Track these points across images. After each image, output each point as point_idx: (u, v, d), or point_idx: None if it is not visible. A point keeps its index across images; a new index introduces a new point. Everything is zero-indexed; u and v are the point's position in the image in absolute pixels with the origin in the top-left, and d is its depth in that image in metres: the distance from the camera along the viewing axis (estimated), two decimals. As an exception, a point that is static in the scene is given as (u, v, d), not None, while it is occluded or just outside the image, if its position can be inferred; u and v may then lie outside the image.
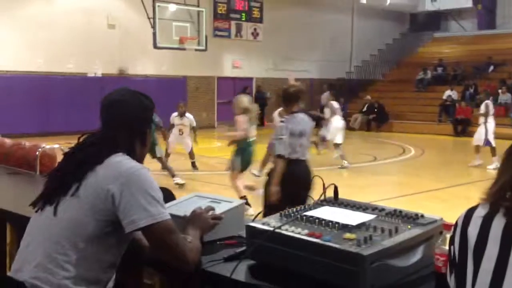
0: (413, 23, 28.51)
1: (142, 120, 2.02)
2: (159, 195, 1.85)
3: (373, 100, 21.79)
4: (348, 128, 21.31)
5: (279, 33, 22.92)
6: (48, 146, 3.84)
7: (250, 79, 22.82)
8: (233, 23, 21.82)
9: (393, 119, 21.31)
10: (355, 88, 25.07)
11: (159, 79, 19.16)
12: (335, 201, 2.18)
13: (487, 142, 11.86)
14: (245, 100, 8.00)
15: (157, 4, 15.01)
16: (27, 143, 4.04)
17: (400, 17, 28.15)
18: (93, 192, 1.81)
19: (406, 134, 19.34)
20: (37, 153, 3.72)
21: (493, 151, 11.71)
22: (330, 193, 2.22)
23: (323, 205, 2.12)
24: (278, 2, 22.41)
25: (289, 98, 5.04)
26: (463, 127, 19.22)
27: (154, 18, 14.97)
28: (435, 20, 27.53)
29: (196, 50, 16.34)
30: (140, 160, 2.00)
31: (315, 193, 2.20)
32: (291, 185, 4.88)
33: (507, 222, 1.35)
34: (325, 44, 24.87)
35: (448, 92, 20.71)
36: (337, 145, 12.24)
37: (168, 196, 2.59)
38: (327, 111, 12.50)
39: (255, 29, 22.57)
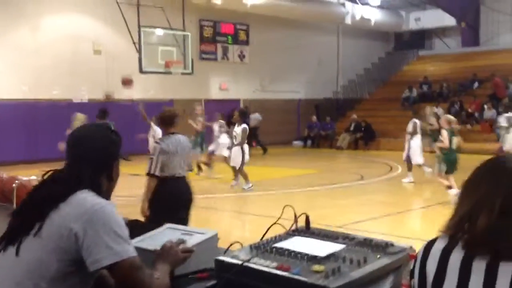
0: (398, 42, 28.86)
1: (108, 155, 2.01)
2: (125, 232, 1.83)
3: (360, 119, 21.91)
4: (336, 147, 21.57)
5: (265, 55, 23.09)
6: (25, 178, 3.81)
7: (237, 100, 22.89)
8: (219, 45, 21.96)
9: (381, 137, 21.42)
10: (343, 107, 25.24)
11: (146, 103, 19.11)
12: (307, 230, 2.17)
13: (407, 158, 12.58)
14: (80, 117, 9.45)
15: (142, 29, 15.09)
16: (4, 175, 4.00)
17: (385, 37, 28.49)
18: (56, 231, 1.79)
19: (394, 151, 19.37)
20: (14, 185, 3.68)
21: (409, 167, 12.54)
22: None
23: (294, 235, 2.12)
24: (264, 24, 22.61)
25: (165, 121, 5.67)
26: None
27: (139, 43, 15.04)
28: (420, 38, 27.88)
29: (182, 73, 16.40)
30: (107, 195, 1.99)
31: (287, 223, 2.18)
32: (168, 202, 5.26)
33: (466, 255, 1.34)
34: (311, 64, 25.07)
35: (433, 109, 20.84)
36: (225, 158, 12.96)
37: (141, 228, 2.57)
38: (216, 128, 13.68)
39: (241, 52, 22.71)
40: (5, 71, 16.37)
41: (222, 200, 11.10)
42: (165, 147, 5.34)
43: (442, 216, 1.53)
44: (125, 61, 17.82)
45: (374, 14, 25.06)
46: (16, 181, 3.75)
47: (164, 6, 16.29)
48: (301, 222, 2.26)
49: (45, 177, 1.96)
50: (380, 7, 25.32)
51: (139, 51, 15.07)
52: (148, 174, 5.34)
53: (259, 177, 14.10)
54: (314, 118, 23.27)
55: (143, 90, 19.45)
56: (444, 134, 9.67)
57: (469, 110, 20.64)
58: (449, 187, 9.76)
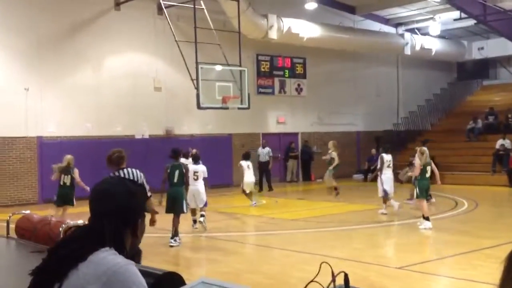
0: (461, 71, 28.05)
1: (132, 211, 1.92)
2: None
3: (422, 152, 21.23)
4: (396, 180, 20.93)
5: (323, 88, 22.99)
6: (72, 222, 3.82)
7: (296, 134, 22.82)
8: (276, 79, 22.05)
9: (444, 170, 20.55)
10: (404, 139, 24.60)
11: (205, 138, 19.41)
12: (346, 291, 2.00)
13: (385, 193, 13.22)
14: (68, 158, 11.19)
15: (200, 65, 15.35)
16: (53, 218, 4.04)
17: (447, 67, 27.78)
18: None
19: (458, 186, 18.67)
20: (61, 229, 3.69)
21: (385, 199, 13.20)
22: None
23: (332, 297, 1.96)
24: (321, 57, 22.58)
25: (112, 161, 6.35)
26: (519, 177, 18.42)
27: (197, 79, 15.27)
28: (483, 68, 27.00)
29: (238, 108, 16.50)
30: (132, 252, 1.92)
31: (324, 281, 2.02)
32: None
33: None
34: (370, 96, 24.73)
35: (500, 141, 20.00)
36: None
37: (177, 281, 2.48)
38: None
39: (298, 85, 22.71)
40: (70, 110, 17.04)
41: (277, 237, 10.91)
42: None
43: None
44: (184, 97, 18.20)
45: (434, 44, 24.54)
46: (63, 225, 3.76)
47: (221, 42, 16.58)
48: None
49: (68, 233, 1.90)
50: (441, 37, 24.77)
51: (197, 87, 15.30)
52: None
53: (318, 212, 13.85)
54: (374, 151, 22.78)
55: (201, 125, 19.75)
56: (416, 162, 11.19)
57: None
58: (424, 217, 10.87)
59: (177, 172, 9.78)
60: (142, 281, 1.75)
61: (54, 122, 16.78)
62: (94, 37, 17.48)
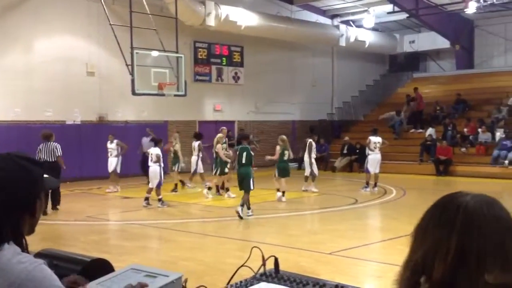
0: (393, 64, 28.92)
1: (32, 195, 1.64)
2: None
3: (354, 141, 21.77)
4: (331, 168, 21.44)
5: (260, 77, 23.10)
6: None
7: (232, 122, 22.83)
8: (213, 67, 21.95)
9: (376, 159, 21.24)
10: (337, 129, 25.18)
11: (140, 125, 19.06)
12: (276, 275, 2.03)
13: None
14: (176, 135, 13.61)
15: (135, 51, 15.04)
16: None
17: (380, 59, 28.56)
18: None
19: (388, 174, 19.25)
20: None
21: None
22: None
23: (261, 280, 1.98)
24: (258, 46, 22.64)
25: (43, 136, 9.87)
26: (445, 166, 19.25)
27: (132, 65, 14.96)
28: (414, 61, 27.94)
29: (175, 95, 16.31)
30: (31, 231, 1.69)
31: (256, 266, 2.05)
32: None
33: None
34: (306, 86, 25.09)
35: (429, 131, 20.81)
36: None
37: (106, 268, 2.43)
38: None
39: (236, 73, 22.70)
40: (-3, 93, 16.30)
41: (212, 224, 10.92)
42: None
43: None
44: (118, 83, 17.79)
45: (368, 37, 25.15)
46: None
47: (157, 28, 16.29)
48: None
49: None
50: (374, 29, 25.41)
51: (132, 73, 14.99)
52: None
53: (254, 200, 13.93)
54: (309, 140, 23.14)
55: (136, 112, 19.39)
56: (277, 148, 13.53)
57: (466, 133, 20.52)
58: (278, 190, 13.50)
59: (244, 154, 11.20)
60: (57, 282, 1.55)
61: (-20, 106, 16.02)
62: (24, 18, 16.74)
